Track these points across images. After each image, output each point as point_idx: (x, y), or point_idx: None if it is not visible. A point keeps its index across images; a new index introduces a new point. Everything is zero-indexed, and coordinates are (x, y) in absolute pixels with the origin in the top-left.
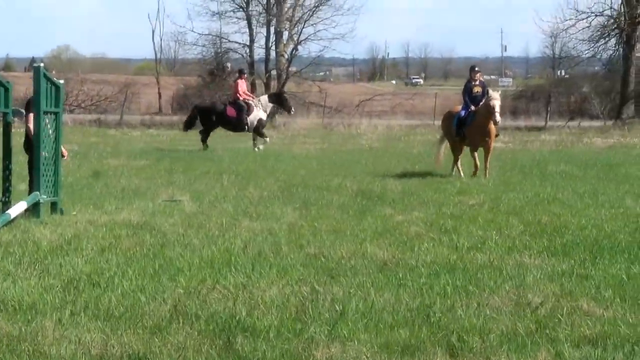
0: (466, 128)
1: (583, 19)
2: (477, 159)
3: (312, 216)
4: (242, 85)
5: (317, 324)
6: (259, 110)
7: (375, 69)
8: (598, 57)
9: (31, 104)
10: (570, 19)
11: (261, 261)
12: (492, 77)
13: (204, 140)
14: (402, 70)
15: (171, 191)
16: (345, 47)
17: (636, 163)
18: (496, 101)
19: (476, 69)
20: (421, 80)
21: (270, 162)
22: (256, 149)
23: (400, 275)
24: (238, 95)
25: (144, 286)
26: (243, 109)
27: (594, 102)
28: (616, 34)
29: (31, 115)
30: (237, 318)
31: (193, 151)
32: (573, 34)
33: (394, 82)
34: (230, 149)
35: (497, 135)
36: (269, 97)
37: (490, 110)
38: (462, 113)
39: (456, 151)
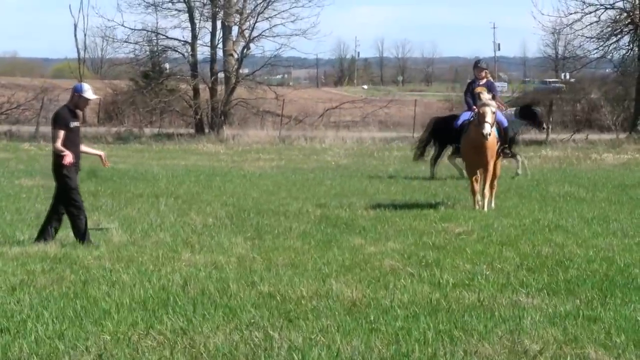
0: (462, 139)
1: (591, 13)
2: (473, 182)
3: (266, 247)
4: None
5: None
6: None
7: (343, 71)
8: (609, 57)
9: (60, 118)
10: (575, 13)
11: (204, 301)
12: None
13: (434, 163)
14: (375, 72)
15: (97, 217)
16: (307, 46)
17: None
18: (488, 108)
19: (480, 64)
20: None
21: (216, 182)
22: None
23: (372, 318)
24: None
25: (63, 332)
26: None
27: (604, 110)
28: (630, 30)
29: (61, 132)
30: None
31: (124, 169)
32: (579, 30)
33: (365, 86)
34: (168, 166)
35: (506, 154)
36: (519, 110)
37: (479, 119)
38: (463, 117)
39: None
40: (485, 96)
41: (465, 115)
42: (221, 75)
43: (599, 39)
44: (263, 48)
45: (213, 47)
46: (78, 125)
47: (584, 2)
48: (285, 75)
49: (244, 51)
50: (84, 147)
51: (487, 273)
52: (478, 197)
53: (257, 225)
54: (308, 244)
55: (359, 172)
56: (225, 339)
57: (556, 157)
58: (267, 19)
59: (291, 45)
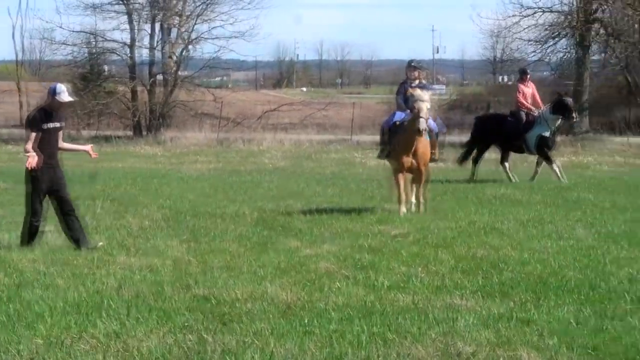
0: (394, 140)
1: (529, 16)
2: (401, 187)
3: (202, 250)
4: (527, 90)
5: None
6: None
7: (282, 73)
8: (547, 60)
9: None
10: (513, 16)
11: (139, 305)
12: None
13: (475, 162)
14: (315, 75)
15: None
16: (246, 48)
17: (589, 185)
18: (423, 104)
19: (413, 64)
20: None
21: (153, 185)
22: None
23: (306, 321)
24: (520, 102)
25: None
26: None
27: None
28: (568, 33)
29: (32, 134)
30: None
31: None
32: (517, 33)
33: (304, 89)
34: (105, 168)
35: (434, 159)
36: (551, 106)
37: (414, 116)
38: (395, 117)
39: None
40: (419, 92)
41: (398, 116)
42: (160, 77)
43: (537, 41)
44: (202, 50)
45: (152, 49)
46: (55, 126)
47: (522, 6)
48: (225, 78)
49: (183, 53)
50: (68, 145)
51: (422, 275)
52: (403, 205)
53: (193, 228)
54: (244, 246)
55: (297, 174)
56: (159, 343)
57: (492, 159)
58: (206, 21)
59: (230, 48)
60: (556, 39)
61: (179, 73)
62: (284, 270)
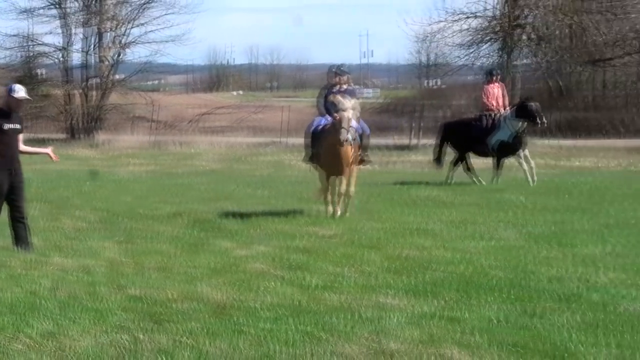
0: (318, 145)
1: (457, 21)
2: (328, 190)
3: (136, 251)
4: (493, 91)
5: None
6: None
7: (215, 77)
8: (475, 64)
9: None
10: (441, 21)
11: (73, 305)
12: (356, 87)
13: (469, 171)
14: (247, 79)
15: None
16: (180, 52)
17: (516, 187)
18: (345, 113)
19: (334, 69)
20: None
21: (87, 187)
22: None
23: (238, 320)
24: (483, 104)
25: None
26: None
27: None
28: (495, 38)
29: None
30: None
31: None
32: (445, 37)
33: (237, 92)
34: (40, 171)
35: (363, 162)
36: (514, 110)
37: (336, 126)
38: (320, 123)
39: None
40: (340, 100)
41: (320, 121)
42: (94, 81)
43: (464, 46)
44: (137, 54)
45: (86, 53)
46: (15, 127)
47: (447, 12)
48: (159, 81)
49: (117, 57)
50: (27, 148)
51: (353, 275)
52: (330, 206)
53: (127, 229)
54: (178, 247)
55: (230, 176)
56: (94, 342)
57: (422, 161)
58: (140, 25)
59: (164, 52)
60: (483, 43)
61: (113, 77)
62: (217, 271)
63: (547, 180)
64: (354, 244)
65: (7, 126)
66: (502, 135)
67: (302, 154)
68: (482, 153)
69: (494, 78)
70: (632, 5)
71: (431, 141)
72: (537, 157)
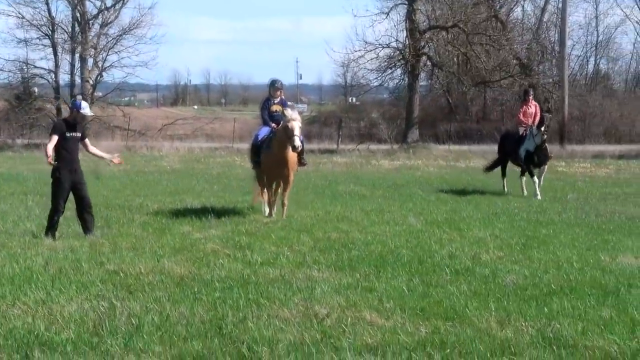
0: (262, 154)
1: (371, 50)
2: (271, 193)
3: (113, 234)
4: (530, 110)
5: (114, 338)
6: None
7: (178, 94)
8: (385, 85)
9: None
10: (359, 50)
11: (61, 278)
12: (289, 103)
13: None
14: (203, 95)
15: None
16: (148, 74)
17: (419, 183)
18: (295, 122)
19: (277, 84)
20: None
21: None
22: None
23: (196, 290)
24: (518, 120)
25: None
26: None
27: (381, 127)
28: (402, 64)
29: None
30: (35, 333)
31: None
32: (362, 64)
33: (195, 107)
34: (36, 170)
35: (303, 164)
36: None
37: (288, 134)
38: (262, 133)
39: (261, 183)
40: (290, 112)
41: (264, 131)
42: (80, 97)
43: (377, 71)
44: (113, 76)
45: (72, 75)
46: (75, 135)
47: (366, 42)
48: (132, 98)
49: (98, 78)
50: (96, 151)
51: (288, 254)
52: (266, 207)
53: (106, 217)
54: (147, 231)
55: (189, 174)
56: (78, 308)
57: (344, 162)
58: (116, 52)
59: (136, 74)
60: (393, 68)
61: (95, 94)
62: (179, 250)
63: (440, 177)
64: (289, 228)
65: (69, 134)
66: (528, 145)
67: (247, 156)
68: (516, 162)
69: (530, 97)
70: (512, 37)
71: (351, 146)
72: (432, 159)
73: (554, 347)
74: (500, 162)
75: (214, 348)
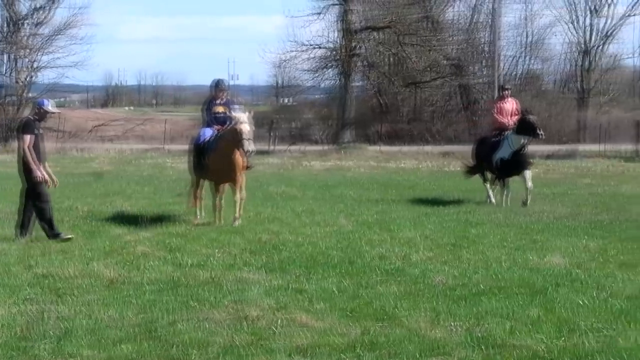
0: (208, 156)
1: (305, 51)
2: (221, 198)
3: (42, 237)
4: (506, 106)
5: (43, 342)
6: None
7: (109, 95)
8: (319, 86)
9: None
10: (292, 51)
11: None
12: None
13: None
14: (135, 97)
15: None
16: (81, 75)
17: (351, 184)
18: (245, 125)
19: (221, 85)
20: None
21: (5, 185)
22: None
23: (126, 293)
24: (494, 119)
25: None
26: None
27: (314, 128)
28: (335, 65)
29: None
30: None
31: None
32: (296, 64)
33: (127, 108)
34: None
35: (249, 167)
36: (516, 126)
37: (237, 137)
38: (205, 134)
39: (197, 186)
40: (240, 114)
41: (207, 133)
42: (11, 98)
43: (311, 71)
44: (46, 76)
45: (3, 75)
46: (41, 132)
47: (298, 43)
48: (64, 99)
49: (30, 79)
50: (27, 154)
51: (219, 255)
52: (198, 212)
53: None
54: (76, 233)
55: (120, 176)
56: (6, 312)
57: (277, 164)
58: (48, 53)
59: (68, 75)
60: (325, 69)
61: (27, 95)
62: (109, 253)
63: (371, 178)
64: (221, 230)
65: (38, 132)
66: (503, 152)
67: (179, 158)
68: (491, 170)
69: (507, 93)
70: (444, 39)
71: (283, 147)
72: (364, 160)
73: (483, 347)
74: (478, 168)
75: (144, 351)
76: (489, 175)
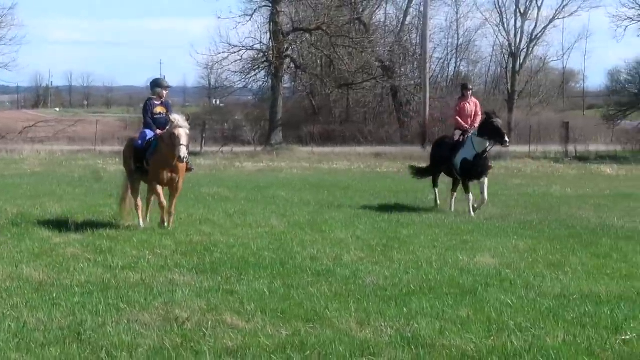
0: (149, 158)
1: (235, 52)
2: (162, 197)
3: None
4: (467, 107)
5: None
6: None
7: (39, 96)
8: (249, 87)
9: None
10: (223, 52)
11: None
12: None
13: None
14: (65, 98)
15: None
16: (9, 76)
17: (283, 185)
18: (182, 130)
19: (162, 84)
20: None
21: None
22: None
23: (55, 295)
24: (454, 120)
25: None
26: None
27: (245, 129)
28: (265, 66)
29: None
30: None
31: None
32: (226, 66)
33: (57, 109)
34: None
35: (189, 170)
36: (478, 128)
37: (174, 142)
38: (146, 136)
39: (136, 190)
40: (177, 117)
41: (148, 134)
42: None
43: (241, 73)
44: None
45: None
46: None
47: (229, 44)
48: None
49: None
50: None
51: (150, 257)
52: (142, 221)
53: None
54: (5, 236)
55: (50, 177)
56: None
57: (208, 165)
58: None
59: None
60: (257, 70)
61: None
62: (38, 255)
63: (304, 179)
64: (151, 231)
65: None
66: (465, 153)
67: (110, 159)
68: (449, 173)
69: (468, 92)
70: (375, 40)
71: (215, 149)
72: (296, 161)
73: (412, 347)
74: (431, 171)
75: (72, 354)
76: (439, 180)
